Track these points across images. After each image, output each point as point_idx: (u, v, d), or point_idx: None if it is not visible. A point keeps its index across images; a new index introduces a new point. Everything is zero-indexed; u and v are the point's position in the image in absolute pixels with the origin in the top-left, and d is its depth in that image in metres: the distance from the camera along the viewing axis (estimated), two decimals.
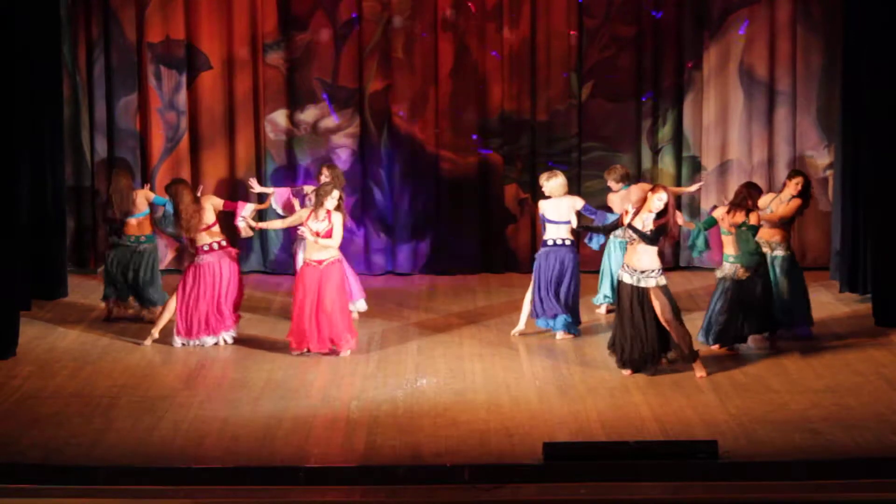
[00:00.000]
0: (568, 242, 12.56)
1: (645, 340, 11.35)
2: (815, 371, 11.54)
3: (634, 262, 11.35)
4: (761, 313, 12.02)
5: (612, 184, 13.45)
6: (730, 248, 11.95)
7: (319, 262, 12.08)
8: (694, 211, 15.73)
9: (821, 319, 13.11)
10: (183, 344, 12.39)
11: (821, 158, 15.65)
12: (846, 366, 11.69)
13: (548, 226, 12.61)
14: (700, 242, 11.99)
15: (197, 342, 12.39)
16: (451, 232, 15.83)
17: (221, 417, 10.40)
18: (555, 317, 12.55)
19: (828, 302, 13.91)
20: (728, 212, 11.94)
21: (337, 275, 12.12)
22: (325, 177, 13.14)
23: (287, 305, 13.56)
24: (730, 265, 11.95)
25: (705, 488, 9.16)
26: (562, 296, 12.51)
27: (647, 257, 11.32)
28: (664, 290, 11.34)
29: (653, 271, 11.31)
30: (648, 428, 10.07)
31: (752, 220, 11.88)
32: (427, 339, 12.77)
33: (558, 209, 12.55)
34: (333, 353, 12.13)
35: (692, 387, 11.09)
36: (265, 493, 9.15)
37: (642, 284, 11.31)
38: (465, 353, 12.28)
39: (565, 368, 11.71)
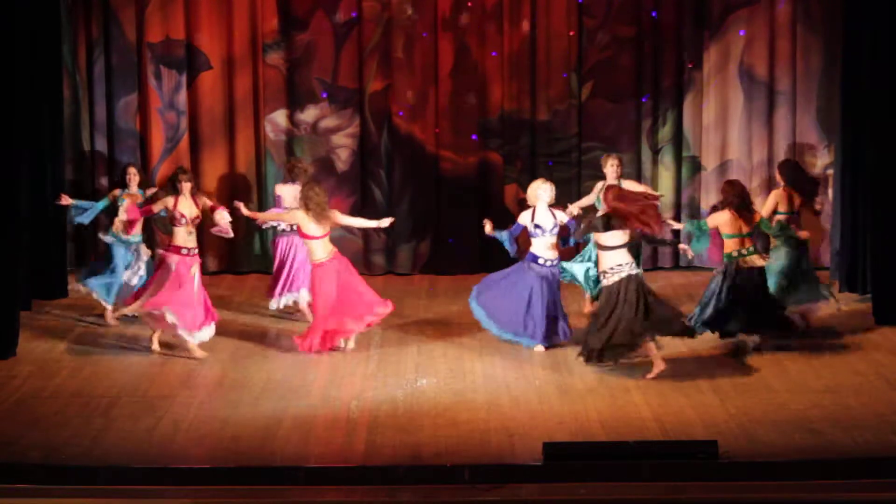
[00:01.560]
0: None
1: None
2: (815, 371, 11.55)
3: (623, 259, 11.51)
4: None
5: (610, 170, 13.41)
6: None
7: (331, 259, 12.17)
8: (694, 211, 15.73)
9: (821, 319, 13.13)
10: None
11: (821, 158, 15.65)
12: (846, 366, 11.69)
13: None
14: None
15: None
16: (451, 232, 15.83)
17: (221, 417, 10.40)
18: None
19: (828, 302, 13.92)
20: (738, 216, 12.01)
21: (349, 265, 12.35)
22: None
23: (286, 306, 13.56)
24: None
25: (705, 488, 9.16)
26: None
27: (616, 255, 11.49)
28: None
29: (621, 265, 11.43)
30: (648, 428, 10.07)
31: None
32: (427, 339, 12.77)
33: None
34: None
35: (692, 387, 11.09)
36: (265, 493, 9.15)
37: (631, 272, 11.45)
38: (465, 353, 12.28)
39: (565, 368, 11.71)
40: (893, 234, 12.88)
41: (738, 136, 15.70)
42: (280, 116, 15.71)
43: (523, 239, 12.59)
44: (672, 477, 9.27)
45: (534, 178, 15.61)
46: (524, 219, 12.40)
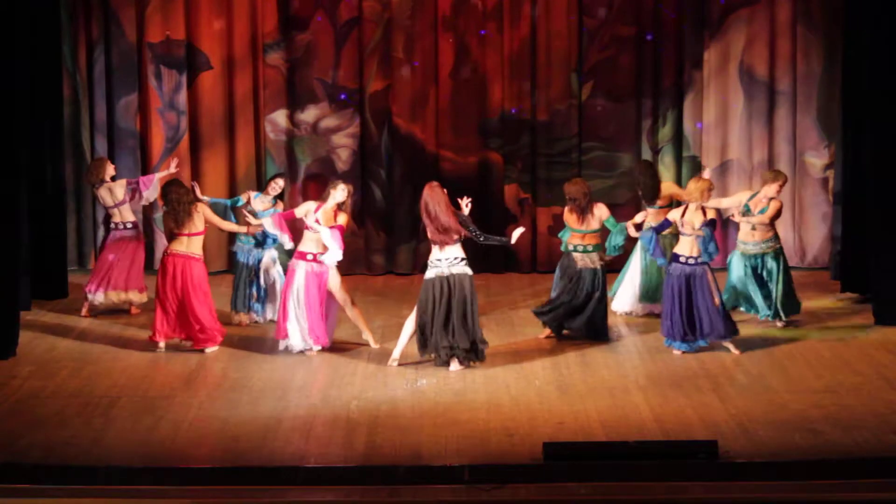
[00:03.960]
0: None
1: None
2: (815, 371, 11.55)
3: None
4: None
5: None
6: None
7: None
8: None
9: (821, 319, 13.16)
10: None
11: (821, 158, 15.66)
12: (846, 366, 11.69)
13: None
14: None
15: None
16: None
17: (221, 417, 10.40)
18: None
19: (828, 302, 13.93)
20: (576, 213, 12.43)
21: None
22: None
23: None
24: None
25: (705, 488, 9.16)
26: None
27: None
28: None
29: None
30: (648, 428, 10.07)
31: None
32: None
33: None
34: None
35: (692, 387, 11.10)
36: (265, 493, 9.15)
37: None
38: None
39: (565, 368, 11.72)
40: (893, 234, 12.88)
41: (738, 136, 15.71)
42: (280, 116, 15.72)
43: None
44: (672, 477, 9.27)
45: (534, 178, 15.72)
46: (673, 215, 12.03)
